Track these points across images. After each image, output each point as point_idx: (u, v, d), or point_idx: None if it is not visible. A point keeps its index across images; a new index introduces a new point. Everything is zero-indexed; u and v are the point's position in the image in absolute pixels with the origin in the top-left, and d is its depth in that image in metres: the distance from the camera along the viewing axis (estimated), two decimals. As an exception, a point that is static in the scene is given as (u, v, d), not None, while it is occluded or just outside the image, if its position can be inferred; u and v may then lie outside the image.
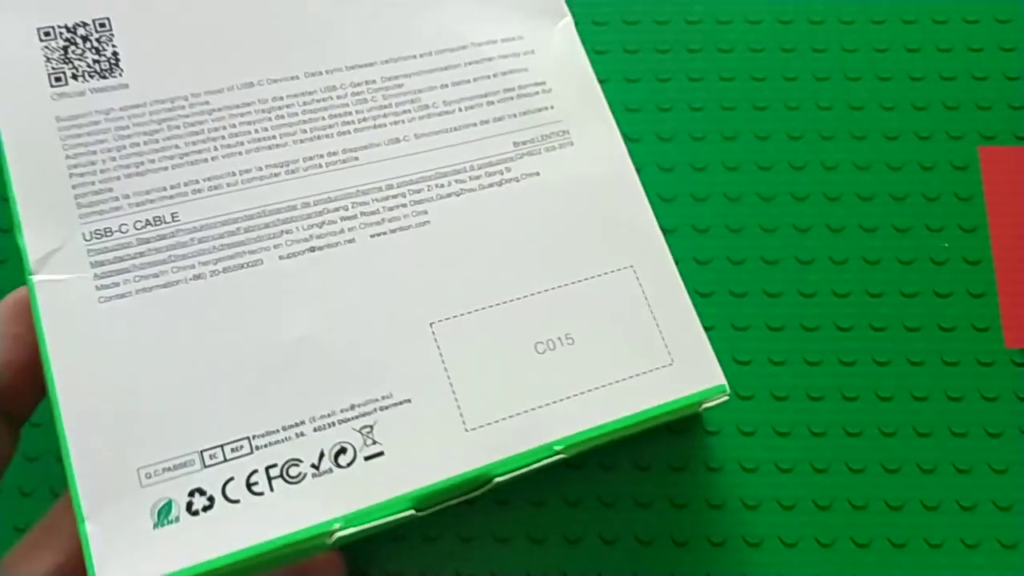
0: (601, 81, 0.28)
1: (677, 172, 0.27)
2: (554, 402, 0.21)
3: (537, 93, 0.24)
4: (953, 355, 0.25)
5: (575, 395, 0.21)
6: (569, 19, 0.25)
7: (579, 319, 0.21)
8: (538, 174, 0.23)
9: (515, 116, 0.23)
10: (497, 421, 0.20)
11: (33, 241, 0.20)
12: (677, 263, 0.26)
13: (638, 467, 0.24)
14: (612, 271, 0.22)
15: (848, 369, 0.25)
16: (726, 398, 0.21)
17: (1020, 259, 0.26)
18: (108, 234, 0.20)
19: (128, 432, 0.19)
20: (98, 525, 0.18)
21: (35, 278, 0.20)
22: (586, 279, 0.22)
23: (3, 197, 0.27)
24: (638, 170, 0.27)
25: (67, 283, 0.20)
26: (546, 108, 0.24)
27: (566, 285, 0.22)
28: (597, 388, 0.21)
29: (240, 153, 0.22)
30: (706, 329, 0.25)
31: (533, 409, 0.20)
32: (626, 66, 0.28)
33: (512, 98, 0.24)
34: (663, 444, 0.25)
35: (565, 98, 0.24)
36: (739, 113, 0.27)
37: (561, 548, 0.24)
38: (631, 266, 0.22)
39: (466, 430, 0.20)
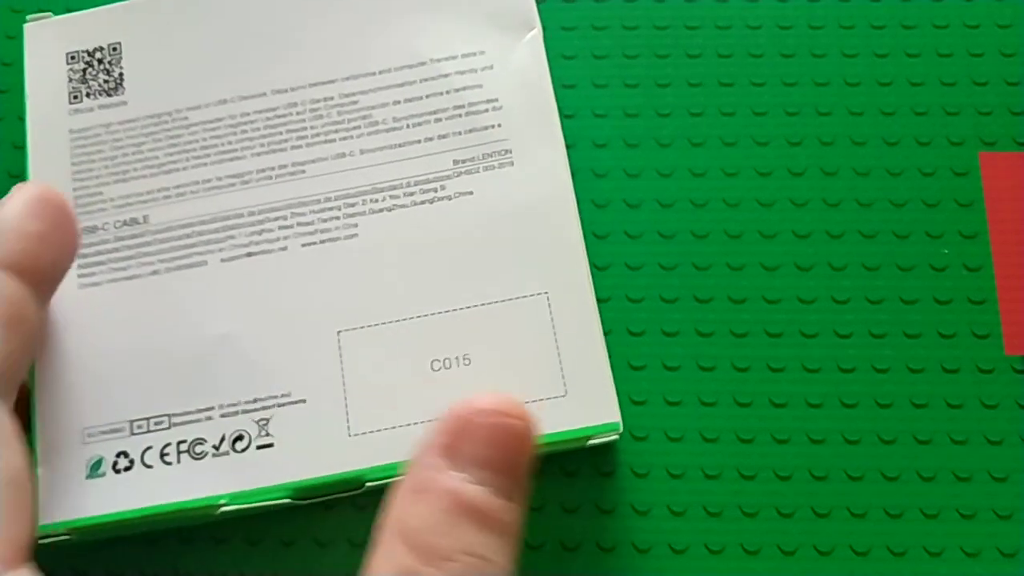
0: (599, 86, 0.28)
1: (675, 177, 0.27)
2: (438, 419, 0.21)
3: (487, 111, 0.24)
4: (953, 362, 0.25)
5: None
6: (537, 31, 0.24)
7: (481, 341, 0.22)
8: (471, 193, 0.23)
9: (460, 134, 0.24)
10: (379, 430, 0.21)
11: None
12: (674, 269, 0.26)
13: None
14: (525, 296, 0.22)
15: (847, 376, 0.25)
16: (616, 437, 0.21)
17: (1021, 266, 0.26)
18: (93, 231, 0.23)
19: (82, 396, 0.22)
20: (48, 469, 0.21)
21: None
22: (497, 301, 0.22)
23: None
24: (636, 176, 0.27)
25: None
26: (493, 126, 0.24)
27: (476, 306, 0.22)
28: None
29: (206, 164, 0.24)
30: (705, 336, 0.25)
31: (417, 423, 0.21)
32: (624, 71, 0.28)
33: (461, 115, 0.24)
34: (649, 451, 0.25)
35: (515, 116, 0.24)
36: (738, 119, 0.27)
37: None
38: (545, 292, 0.22)
39: (349, 435, 0.21)
